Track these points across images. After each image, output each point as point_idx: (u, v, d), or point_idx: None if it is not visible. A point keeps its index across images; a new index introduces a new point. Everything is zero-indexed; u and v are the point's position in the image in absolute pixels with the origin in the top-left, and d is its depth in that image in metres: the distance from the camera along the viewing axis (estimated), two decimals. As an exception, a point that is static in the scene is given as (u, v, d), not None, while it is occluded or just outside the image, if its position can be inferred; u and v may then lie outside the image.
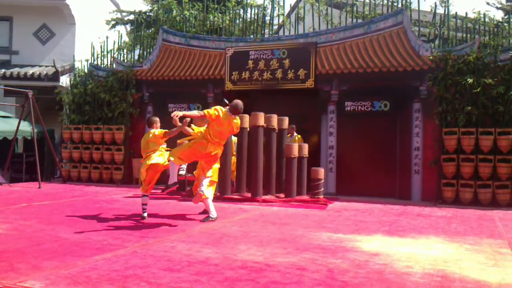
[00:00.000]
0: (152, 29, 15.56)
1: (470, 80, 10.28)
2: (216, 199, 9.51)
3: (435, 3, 11.90)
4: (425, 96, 11.11)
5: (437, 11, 11.97)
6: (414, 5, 12.21)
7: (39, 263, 4.37)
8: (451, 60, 10.69)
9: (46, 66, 16.89)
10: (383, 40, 11.60)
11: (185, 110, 13.28)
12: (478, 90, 10.23)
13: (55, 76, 16.16)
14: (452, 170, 10.39)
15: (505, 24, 11.42)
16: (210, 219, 7.04)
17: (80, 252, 4.87)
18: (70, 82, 15.13)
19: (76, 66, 15.34)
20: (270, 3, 13.89)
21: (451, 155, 10.45)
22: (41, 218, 7.05)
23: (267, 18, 14.05)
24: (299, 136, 12.05)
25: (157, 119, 7.77)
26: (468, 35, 11.41)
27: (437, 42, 11.77)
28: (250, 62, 12.66)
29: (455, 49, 10.90)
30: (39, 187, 11.75)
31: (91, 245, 5.21)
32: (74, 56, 16.03)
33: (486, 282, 4.11)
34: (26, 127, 14.26)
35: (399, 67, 11.20)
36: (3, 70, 16.31)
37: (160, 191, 11.14)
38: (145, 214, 7.28)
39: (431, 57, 10.93)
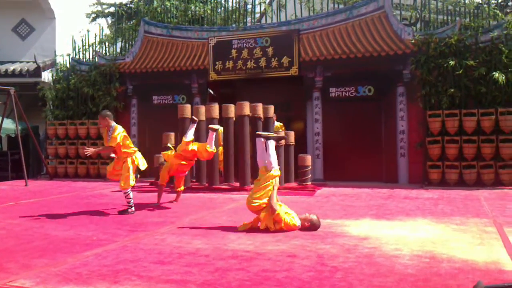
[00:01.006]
0: (134, 21, 15.42)
1: (452, 63, 10.36)
2: (204, 189, 9.55)
3: (416, -14, 11.94)
4: (408, 80, 11.18)
5: (418, -6, 12.01)
6: (395, -11, 12.24)
7: (28, 261, 4.35)
8: (433, 43, 10.76)
9: (27, 62, 16.65)
10: (365, 25, 11.62)
11: (169, 102, 13.24)
12: (460, 72, 10.32)
13: (37, 71, 15.94)
14: (437, 152, 10.50)
15: (485, 6, 11.51)
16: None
17: (70, 248, 4.86)
18: (52, 78, 14.95)
19: (57, 61, 15.15)
20: (252, -9, 13.83)
21: (436, 137, 10.55)
22: (29, 216, 7.00)
23: (249, 6, 13.99)
24: (280, 124, 12.04)
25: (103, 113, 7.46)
26: (449, 18, 11.48)
27: (418, 25, 11.83)
28: (234, 51, 12.61)
29: (437, 32, 10.96)
30: (25, 185, 11.65)
31: (80, 241, 5.20)
32: (55, 51, 15.83)
33: (474, 261, 4.18)
34: (9, 124, 14.10)
35: (381, 51, 11.24)
36: (-17, 68, 16.06)
37: (148, 184, 11.13)
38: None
39: (413, 41, 10.98)
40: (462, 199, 8.27)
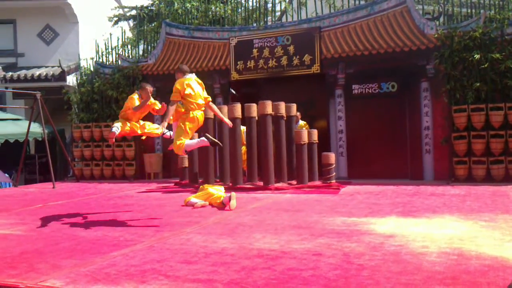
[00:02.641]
0: (155, 23, 15.57)
1: (477, 56, 10.18)
2: (228, 188, 9.56)
3: (438, -21, 11.77)
4: (432, 75, 11.02)
5: (441, -13, 11.83)
6: (417, -17, 12.09)
7: (58, 262, 4.43)
8: (457, 37, 10.58)
9: (52, 67, 16.96)
10: (387, 20, 11.50)
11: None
12: (486, 65, 10.13)
13: (62, 76, 16.23)
14: (464, 147, 10.33)
15: (511, -3, 11.27)
16: None
17: (97, 249, 4.92)
18: (76, 81, 15.20)
19: (81, 65, 15.39)
20: (272, -10, 13.81)
21: (462, 133, 10.38)
22: (57, 218, 7.12)
23: (269, 5, 13.98)
24: (304, 122, 12.00)
25: (147, 87, 7.21)
26: (473, 10, 11.28)
27: (442, 19, 11.66)
28: (255, 50, 12.62)
29: (461, 25, 10.79)
30: (53, 187, 11.86)
31: (108, 242, 5.27)
32: (79, 55, 16.08)
33: (504, 257, 4.10)
34: (36, 128, 14.38)
35: (404, 47, 11.11)
36: (10, 73, 16.42)
37: (172, 184, 11.22)
38: None
39: (436, 35, 10.83)
40: (490, 195, 8.11)
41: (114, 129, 6.93)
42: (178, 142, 6.44)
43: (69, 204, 8.73)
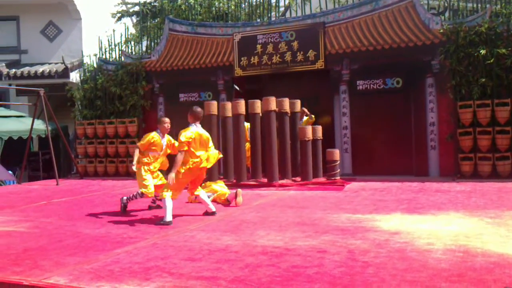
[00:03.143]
0: (158, 19, 15.52)
1: (483, 51, 10.10)
2: (232, 185, 9.54)
3: (443, -26, 11.67)
4: (437, 70, 10.95)
5: (446, -18, 11.74)
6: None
7: (62, 259, 4.42)
8: (462, 32, 10.50)
9: (56, 63, 16.95)
10: (391, 15, 11.43)
11: (195, 99, 13.29)
12: (491, 61, 10.05)
13: (65, 72, 16.21)
14: (469, 143, 10.26)
15: (517, -8, 11.16)
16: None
17: (101, 246, 4.91)
18: (80, 78, 15.18)
19: (85, 62, 15.37)
20: (275, -15, 13.75)
21: (467, 129, 10.31)
22: (61, 215, 7.12)
23: (273, 0, 13.92)
24: (307, 118, 11.93)
25: (163, 119, 7.39)
26: (479, 5, 11.17)
27: (447, 14, 11.56)
28: (259, 46, 12.57)
29: (466, 20, 10.70)
30: (57, 184, 11.87)
31: (111, 239, 5.26)
32: (82, 51, 16.06)
33: (509, 254, 4.06)
34: (40, 125, 14.38)
35: (409, 42, 11.04)
36: (14, 70, 16.41)
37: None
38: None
39: (441, 30, 10.74)
40: (496, 191, 8.06)
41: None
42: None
43: (72, 201, 8.73)
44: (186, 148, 6.27)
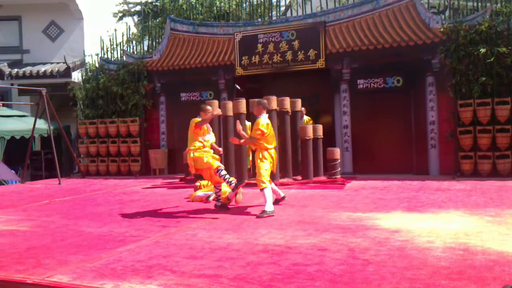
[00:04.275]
0: (160, 18, 15.54)
1: (483, 50, 10.11)
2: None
3: (444, -27, 11.68)
4: (438, 69, 10.97)
5: (446, -19, 11.75)
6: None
7: (65, 257, 4.46)
8: (462, 31, 10.51)
9: (58, 63, 16.99)
10: (392, 14, 11.45)
11: (196, 98, 13.33)
12: (492, 59, 10.07)
13: (67, 72, 16.26)
14: (469, 142, 10.29)
15: (517, -10, 11.18)
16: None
17: (103, 245, 4.95)
18: (82, 78, 15.22)
19: (86, 61, 15.41)
20: (276, -16, 13.76)
21: (468, 127, 10.33)
22: (63, 214, 7.16)
23: (274, 0, 13.93)
24: (308, 118, 11.96)
25: (205, 107, 7.12)
26: (479, 4, 11.19)
27: (447, 13, 11.58)
28: (259, 45, 12.60)
29: (466, 19, 10.72)
30: (59, 183, 11.92)
31: (114, 238, 5.29)
32: (84, 51, 16.10)
33: (509, 253, 4.09)
34: (42, 124, 14.43)
35: (409, 41, 11.06)
36: (16, 70, 16.45)
37: (178, 180, 11.24)
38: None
39: (442, 29, 10.76)
40: (496, 190, 8.09)
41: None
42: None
43: (75, 200, 8.77)
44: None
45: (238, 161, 10.09)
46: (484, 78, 10.15)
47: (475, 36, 10.39)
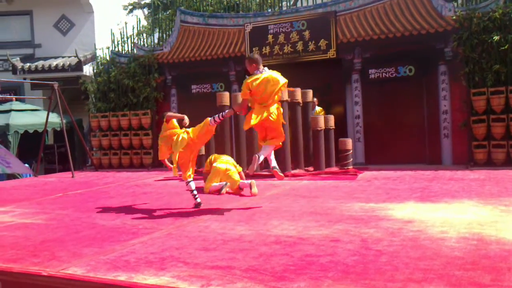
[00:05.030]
0: (170, 11, 15.53)
1: (496, 38, 9.97)
2: (245, 176, 9.57)
3: (456, -40, 11.51)
4: (450, 58, 10.85)
5: (459, -32, 11.58)
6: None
7: (79, 250, 4.49)
8: (475, 18, 10.37)
9: (69, 57, 17.09)
10: (403, 3, 11.32)
11: (207, 90, 13.33)
12: (506, 47, 9.93)
13: (78, 66, 16.35)
14: (483, 131, 10.18)
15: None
16: None
17: (117, 237, 4.98)
18: (93, 71, 15.29)
19: (97, 55, 15.47)
20: (286, -26, 13.68)
21: (481, 116, 10.23)
22: (77, 207, 7.22)
23: (284, -10, 13.85)
24: (320, 108, 11.91)
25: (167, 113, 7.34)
26: (493, -9, 11.03)
27: (460, 0, 11.43)
28: (270, 36, 12.55)
29: (480, 6, 10.57)
30: (72, 177, 12.01)
31: (127, 230, 5.33)
32: (95, 44, 16.16)
33: (524, 242, 4.05)
34: (54, 118, 14.54)
35: (421, 29, 10.94)
36: (28, 64, 16.59)
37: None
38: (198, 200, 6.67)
39: (454, 17, 10.63)
40: (510, 179, 8.00)
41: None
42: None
43: (88, 193, 8.84)
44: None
45: (249, 153, 10.08)
46: (497, 66, 10.02)
47: (489, 24, 10.25)
